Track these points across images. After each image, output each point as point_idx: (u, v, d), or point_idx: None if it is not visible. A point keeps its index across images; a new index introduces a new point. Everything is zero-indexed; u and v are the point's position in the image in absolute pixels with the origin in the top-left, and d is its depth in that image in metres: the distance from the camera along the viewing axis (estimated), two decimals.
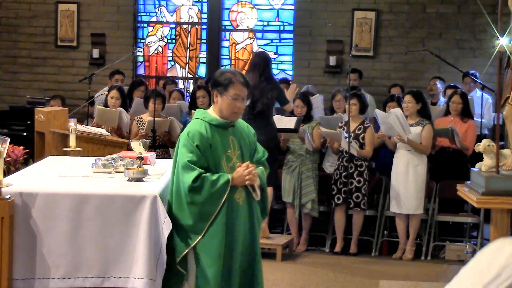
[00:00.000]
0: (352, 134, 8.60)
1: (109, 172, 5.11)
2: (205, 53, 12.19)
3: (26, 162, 6.37)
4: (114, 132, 8.36)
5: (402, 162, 8.47)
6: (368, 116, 9.43)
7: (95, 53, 11.99)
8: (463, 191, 7.50)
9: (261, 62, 8.40)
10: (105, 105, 8.94)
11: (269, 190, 8.23)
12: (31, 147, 7.06)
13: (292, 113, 8.91)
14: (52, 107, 8.54)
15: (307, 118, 8.86)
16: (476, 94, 10.15)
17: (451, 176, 8.47)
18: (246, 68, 11.98)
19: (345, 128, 8.66)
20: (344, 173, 8.61)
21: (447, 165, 8.71)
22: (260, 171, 4.79)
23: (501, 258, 2.79)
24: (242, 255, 4.73)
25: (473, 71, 10.35)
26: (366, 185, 8.59)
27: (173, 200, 4.65)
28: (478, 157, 7.56)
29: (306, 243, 8.84)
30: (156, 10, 12.24)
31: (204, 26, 12.18)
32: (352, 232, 8.66)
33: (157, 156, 7.77)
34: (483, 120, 9.69)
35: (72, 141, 6.30)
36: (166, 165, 5.72)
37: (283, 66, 12.01)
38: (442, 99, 10.15)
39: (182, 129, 8.79)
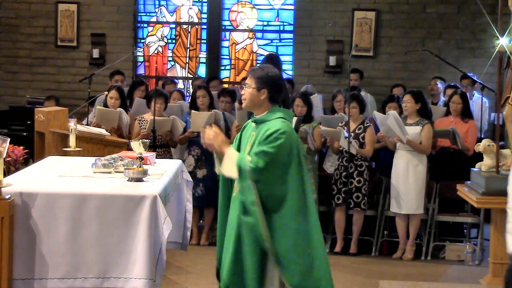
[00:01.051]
0: (352, 134, 8.60)
1: (109, 172, 5.11)
2: (205, 53, 12.19)
3: (26, 162, 6.37)
4: (114, 132, 8.35)
5: (402, 162, 8.47)
6: (368, 116, 9.43)
7: (95, 53, 11.99)
8: (463, 191, 7.52)
9: (273, 62, 8.42)
10: (105, 105, 8.93)
11: None
12: (31, 147, 7.05)
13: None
14: (52, 107, 8.54)
15: (307, 118, 8.85)
16: (473, 98, 10.16)
17: (452, 176, 8.47)
18: (246, 68, 12.02)
19: (345, 128, 8.66)
20: (344, 173, 8.61)
21: (448, 166, 8.70)
22: (238, 155, 4.71)
23: None
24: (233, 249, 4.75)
25: (471, 73, 10.35)
26: (366, 185, 8.59)
27: None
28: (480, 157, 7.58)
29: None
30: (156, 10, 12.24)
31: (204, 26, 12.18)
32: (352, 232, 8.65)
33: (158, 156, 7.77)
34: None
35: (72, 141, 6.30)
36: (166, 165, 5.72)
37: (283, 66, 11.99)
38: (443, 99, 10.14)
39: (184, 129, 8.87)
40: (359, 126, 8.68)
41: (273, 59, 8.63)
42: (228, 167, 4.68)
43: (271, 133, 4.66)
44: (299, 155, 4.74)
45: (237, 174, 4.62)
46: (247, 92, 4.81)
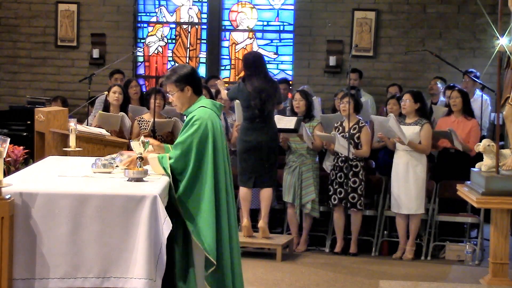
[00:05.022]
0: (347, 134, 8.58)
1: (109, 172, 5.11)
2: (205, 53, 12.19)
3: (26, 162, 6.36)
4: (115, 134, 8.33)
5: (401, 162, 8.47)
6: (368, 118, 9.42)
7: (95, 53, 11.99)
8: (463, 191, 7.51)
9: (260, 62, 8.39)
10: (105, 105, 8.90)
11: (269, 191, 8.31)
12: (31, 147, 7.05)
13: (293, 113, 8.89)
14: (52, 107, 8.54)
15: (307, 116, 8.84)
16: (473, 97, 10.14)
17: (454, 177, 8.44)
18: None
19: (340, 128, 8.67)
20: (339, 174, 8.61)
21: (450, 166, 8.68)
22: (159, 156, 5.02)
23: None
24: None
25: (473, 70, 10.34)
26: (362, 185, 8.58)
27: None
28: (482, 158, 7.57)
29: (306, 243, 8.84)
30: (156, 10, 12.24)
31: (204, 26, 12.19)
32: (351, 232, 8.65)
33: None
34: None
35: (72, 141, 6.29)
36: None
37: (283, 66, 12.01)
38: (442, 99, 10.14)
39: None
40: (354, 126, 8.67)
41: (258, 57, 8.58)
42: (156, 168, 4.99)
43: (187, 122, 5.01)
44: (215, 143, 4.99)
45: (164, 172, 4.95)
46: (175, 98, 5.12)
